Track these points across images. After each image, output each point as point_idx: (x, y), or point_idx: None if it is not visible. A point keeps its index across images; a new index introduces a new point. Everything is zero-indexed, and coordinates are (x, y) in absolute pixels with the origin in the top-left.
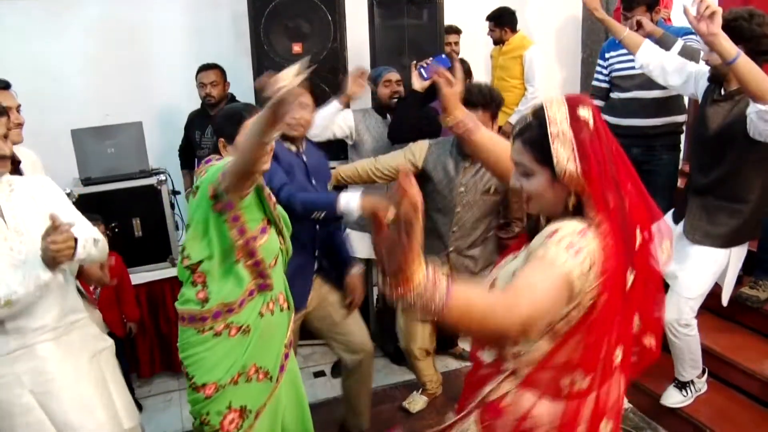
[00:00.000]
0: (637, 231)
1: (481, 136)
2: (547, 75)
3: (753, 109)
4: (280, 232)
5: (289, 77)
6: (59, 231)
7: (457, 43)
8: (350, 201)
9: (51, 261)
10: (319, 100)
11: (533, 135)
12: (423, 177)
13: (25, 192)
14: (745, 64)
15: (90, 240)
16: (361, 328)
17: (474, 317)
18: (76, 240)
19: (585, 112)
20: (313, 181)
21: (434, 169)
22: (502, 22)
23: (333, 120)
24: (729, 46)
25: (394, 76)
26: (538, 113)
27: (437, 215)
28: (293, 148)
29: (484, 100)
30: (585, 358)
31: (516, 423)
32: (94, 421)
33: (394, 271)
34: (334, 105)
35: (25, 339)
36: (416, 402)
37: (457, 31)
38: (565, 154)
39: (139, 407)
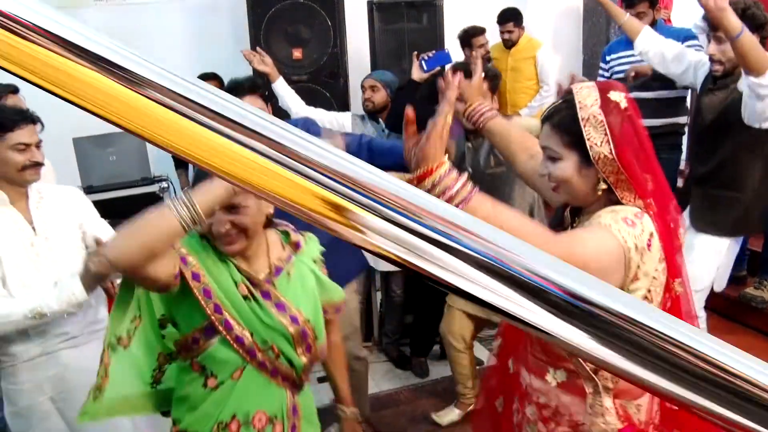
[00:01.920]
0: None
1: (495, 122)
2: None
3: (746, 83)
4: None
5: None
6: None
7: (487, 42)
8: None
9: (94, 280)
10: (319, 104)
11: (562, 118)
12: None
13: (54, 201)
14: (748, 37)
15: None
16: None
17: None
18: None
19: (616, 96)
20: None
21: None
22: (520, 21)
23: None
24: (735, 22)
25: (368, 82)
26: (568, 97)
27: None
28: None
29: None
30: None
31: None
32: (111, 428)
33: (418, 155)
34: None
35: (47, 346)
36: (447, 415)
37: (482, 31)
38: (597, 138)
39: None
